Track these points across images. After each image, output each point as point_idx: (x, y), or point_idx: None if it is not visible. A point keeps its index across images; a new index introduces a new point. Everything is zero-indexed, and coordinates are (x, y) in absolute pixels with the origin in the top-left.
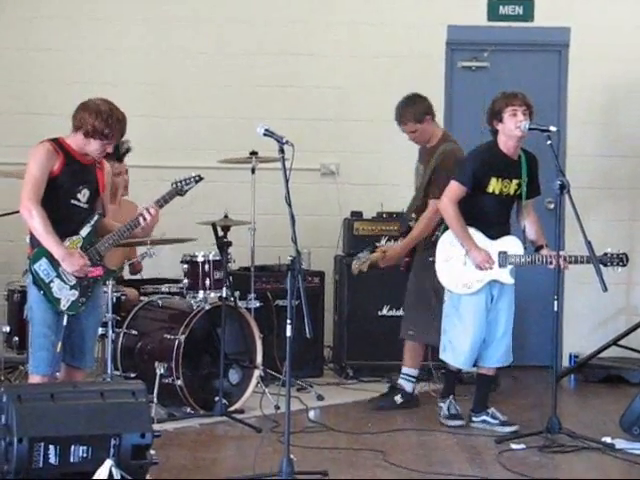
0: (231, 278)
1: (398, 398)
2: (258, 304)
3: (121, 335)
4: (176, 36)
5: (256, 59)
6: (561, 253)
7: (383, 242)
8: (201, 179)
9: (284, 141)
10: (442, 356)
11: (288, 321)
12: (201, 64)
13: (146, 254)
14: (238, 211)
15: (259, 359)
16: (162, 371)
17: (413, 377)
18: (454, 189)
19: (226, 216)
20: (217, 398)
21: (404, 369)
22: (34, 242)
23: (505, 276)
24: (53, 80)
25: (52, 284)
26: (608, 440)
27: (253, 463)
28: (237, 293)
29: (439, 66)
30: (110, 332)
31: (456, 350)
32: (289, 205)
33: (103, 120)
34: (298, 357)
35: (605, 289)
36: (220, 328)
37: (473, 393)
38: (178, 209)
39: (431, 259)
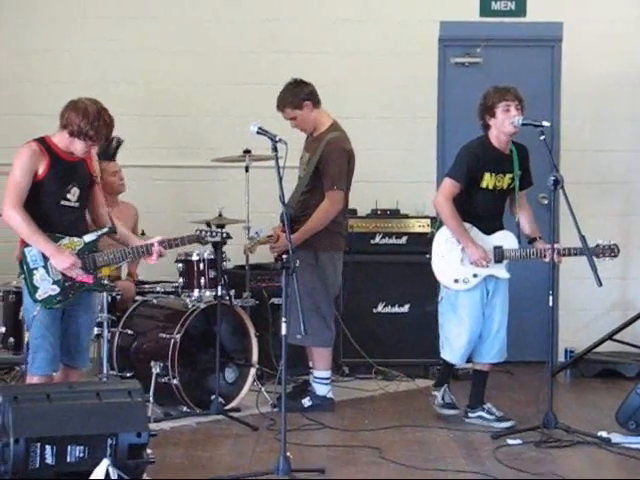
0: (226, 277)
1: (306, 401)
2: (253, 302)
3: (117, 335)
4: (169, 34)
5: (248, 57)
6: (555, 245)
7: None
8: (229, 237)
9: (277, 139)
10: (442, 354)
11: (283, 319)
12: (193, 62)
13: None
14: (232, 210)
15: (255, 357)
16: (158, 370)
17: (327, 379)
18: (448, 186)
19: (220, 215)
20: (213, 397)
21: (316, 372)
22: None
23: (501, 271)
24: (44, 81)
25: (36, 271)
26: (604, 434)
27: (250, 461)
28: (232, 292)
29: (431, 63)
30: (105, 332)
31: (452, 346)
32: (283, 204)
33: (89, 122)
34: (294, 355)
35: (600, 284)
36: (216, 327)
37: (469, 389)
38: (171, 208)
39: (428, 257)
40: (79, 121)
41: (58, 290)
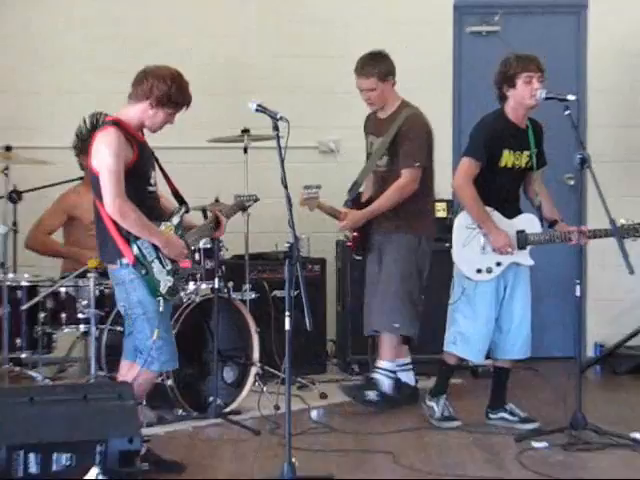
0: (224, 268)
1: (372, 395)
2: (254, 295)
3: (105, 332)
4: (163, 9)
5: (248, 27)
6: (581, 227)
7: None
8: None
9: (278, 117)
10: (450, 349)
11: (287, 313)
12: (186, 35)
13: None
14: (230, 194)
15: (256, 355)
16: None
17: (391, 372)
18: (467, 166)
19: (217, 200)
20: (211, 399)
21: (383, 363)
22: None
23: (525, 258)
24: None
25: (153, 264)
26: (638, 436)
27: (252, 468)
28: (231, 284)
29: (446, 32)
30: (93, 329)
31: (469, 342)
32: (285, 187)
33: (177, 86)
34: (298, 352)
35: (632, 271)
36: (213, 322)
37: (489, 388)
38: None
39: (447, 245)
40: (167, 87)
41: (172, 280)
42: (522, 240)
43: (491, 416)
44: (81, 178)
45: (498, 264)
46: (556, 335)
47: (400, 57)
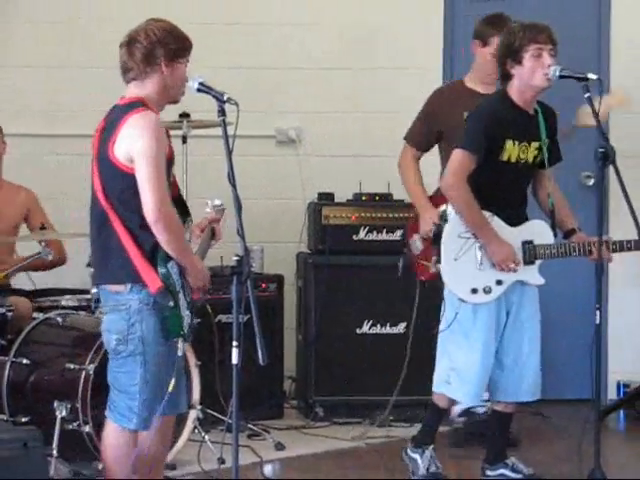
0: None
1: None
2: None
3: (7, 365)
4: None
5: None
6: (604, 238)
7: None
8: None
9: (225, 98)
10: (441, 389)
11: (234, 343)
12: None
13: (40, 255)
14: None
15: (196, 396)
16: (64, 413)
17: None
18: (461, 161)
19: None
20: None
21: None
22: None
23: (533, 275)
24: None
25: (180, 295)
26: None
27: None
28: None
29: None
30: None
31: (464, 380)
32: (233, 186)
33: (170, 27)
34: (249, 392)
35: None
36: None
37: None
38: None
39: (434, 258)
40: (173, 38)
41: (191, 316)
42: (529, 253)
43: (489, 473)
44: None
45: (499, 283)
46: (570, 373)
47: (379, 29)
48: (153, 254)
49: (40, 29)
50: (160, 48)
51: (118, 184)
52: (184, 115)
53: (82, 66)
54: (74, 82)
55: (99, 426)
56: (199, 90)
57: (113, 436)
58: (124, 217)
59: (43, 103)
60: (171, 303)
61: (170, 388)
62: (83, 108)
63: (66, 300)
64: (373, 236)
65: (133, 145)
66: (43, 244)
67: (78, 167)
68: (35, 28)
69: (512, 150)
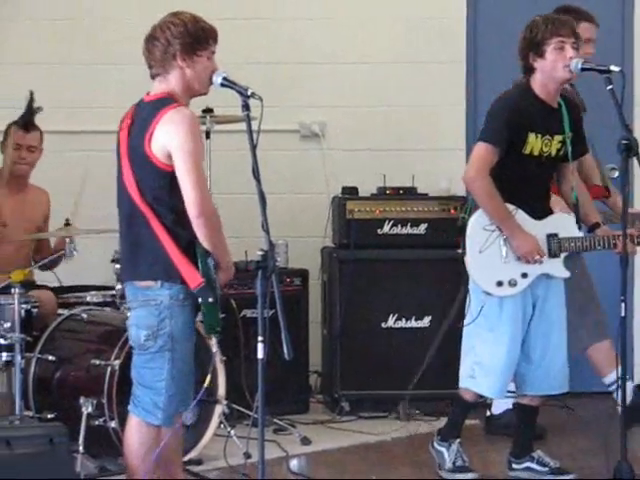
0: None
1: None
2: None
3: (33, 362)
4: None
5: None
6: (628, 231)
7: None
8: None
9: (249, 93)
10: (466, 384)
11: (259, 338)
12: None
13: (64, 253)
14: None
15: (221, 391)
16: (90, 410)
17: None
18: (483, 154)
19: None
20: None
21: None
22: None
23: (558, 268)
24: None
25: (217, 290)
26: None
27: None
28: None
29: None
30: (18, 358)
31: (490, 374)
32: (258, 180)
33: (190, 19)
34: (274, 387)
35: None
36: None
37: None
38: (103, 189)
39: (460, 251)
40: (188, 32)
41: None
42: (555, 246)
43: (515, 466)
44: None
45: (524, 275)
46: None
47: (402, 20)
48: (189, 250)
49: (41, 26)
50: (175, 44)
51: (155, 181)
52: (207, 110)
53: (84, 63)
54: (76, 79)
55: (125, 422)
56: (223, 85)
57: (137, 431)
58: (160, 214)
59: (44, 100)
60: (211, 299)
61: (206, 383)
62: (85, 105)
63: (91, 296)
64: (397, 230)
65: (171, 141)
66: (68, 240)
67: (82, 164)
68: (36, 25)
69: (535, 143)
